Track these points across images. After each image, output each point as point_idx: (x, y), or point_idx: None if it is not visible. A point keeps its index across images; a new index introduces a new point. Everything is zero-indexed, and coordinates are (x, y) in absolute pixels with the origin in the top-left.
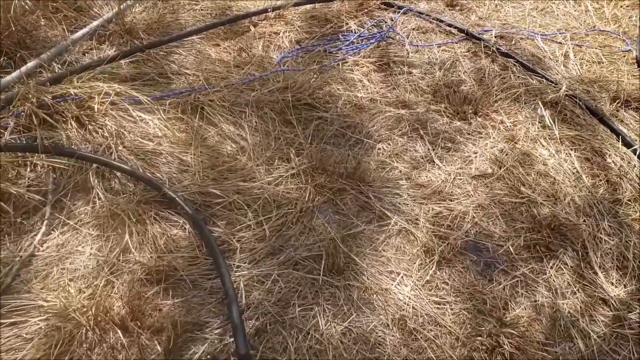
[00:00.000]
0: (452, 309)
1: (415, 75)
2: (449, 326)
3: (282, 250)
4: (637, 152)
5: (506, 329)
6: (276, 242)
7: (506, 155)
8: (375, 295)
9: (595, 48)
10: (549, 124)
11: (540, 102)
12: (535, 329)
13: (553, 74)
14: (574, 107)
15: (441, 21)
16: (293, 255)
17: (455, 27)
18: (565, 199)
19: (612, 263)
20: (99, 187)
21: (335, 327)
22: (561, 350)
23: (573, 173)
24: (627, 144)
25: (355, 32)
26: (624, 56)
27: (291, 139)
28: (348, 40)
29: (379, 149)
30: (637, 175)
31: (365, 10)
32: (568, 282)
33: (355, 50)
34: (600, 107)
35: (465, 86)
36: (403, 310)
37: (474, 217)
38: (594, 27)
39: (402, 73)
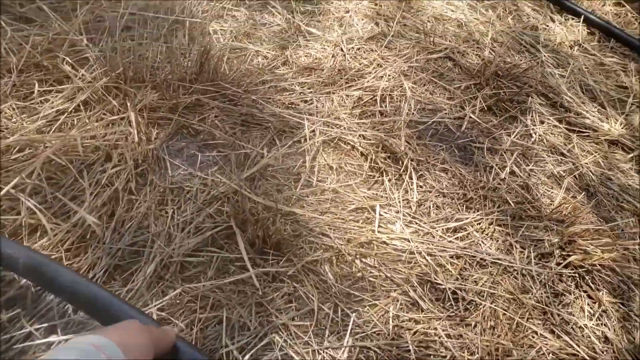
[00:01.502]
0: (482, 230)
1: None
2: (502, 260)
3: (140, 254)
4: None
5: (570, 229)
6: (123, 241)
7: (384, 6)
8: (359, 261)
9: None
10: None
11: None
12: (583, 211)
13: None
14: None
15: None
16: (170, 255)
17: None
18: (485, 40)
19: (581, 95)
20: None
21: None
22: (622, 221)
23: (469, 8)
24: None
25: None
26: None
27: (50, 40)
28: None
29: (215, 30)
30: None
31: None
32: (563, 136)
33: None
34: None
35: None
36: (419, 264)
37: (404, 90)
38: None
39: None
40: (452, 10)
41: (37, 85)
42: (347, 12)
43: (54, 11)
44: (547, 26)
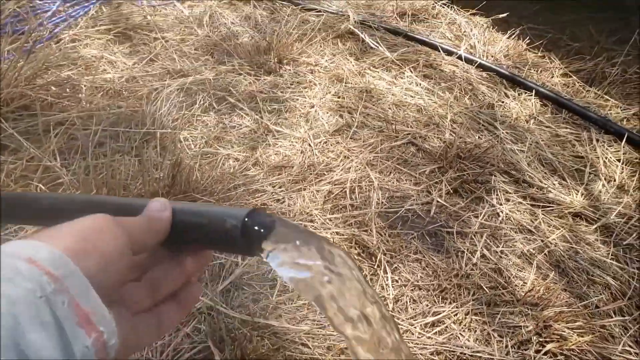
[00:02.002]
0: (459, 322)
1: (173, 40)
2: (481, 352)
3: None
4: (462, 56)
5: (544, 312)
6: None
7: (347, 98)
8: None
9: None
10: (374, 45)
11: (360, 33)
12: (556, 291)
13: (327, 6)
14: (373, 32)
15: None
16: None
17: None
18: (444, 122)
19: (541, 169)
20: None
21: None
22: (595, 297)
23: (427, 92)
24: (448, 52)
25: None
26: None
27: (24, 167)
28: (50, 9)
29: (186, 138)
30: (477, 76)
31: None
32: (529, 212)
33: (71, 21)
34: (396, 26)
35: (245, 37)
36: None
37: (372, 181)
38: None
39: (155, 40)
40: (411, 96)
41: None
42: (312, 107)
43: (26, 134)
44: (503, 102)
